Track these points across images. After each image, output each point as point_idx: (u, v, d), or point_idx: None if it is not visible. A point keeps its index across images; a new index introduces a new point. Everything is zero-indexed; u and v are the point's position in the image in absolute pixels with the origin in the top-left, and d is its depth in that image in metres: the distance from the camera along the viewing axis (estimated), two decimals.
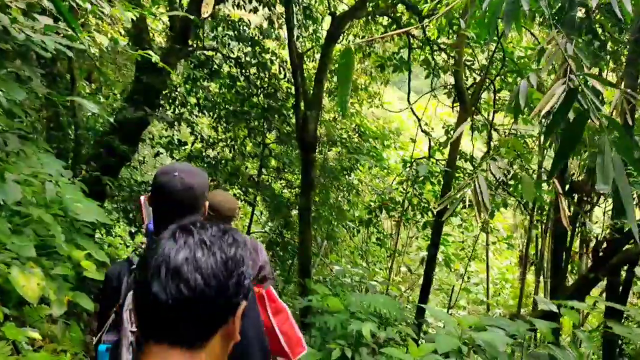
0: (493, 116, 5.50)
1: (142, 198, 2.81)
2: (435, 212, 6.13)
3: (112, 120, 7.14)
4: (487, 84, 5.68)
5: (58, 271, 2.30)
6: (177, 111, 8.46)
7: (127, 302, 1.64)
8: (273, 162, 9.87)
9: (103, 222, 2.58)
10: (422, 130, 7.63)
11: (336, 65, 9.21)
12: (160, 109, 7.92)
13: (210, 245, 0.93)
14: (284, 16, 7.94)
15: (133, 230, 7.85)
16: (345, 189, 9.96)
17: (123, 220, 8.01)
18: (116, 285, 1.73)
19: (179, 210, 1.76)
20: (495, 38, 4.86)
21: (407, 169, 7.98)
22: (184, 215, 1.73)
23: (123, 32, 9.80)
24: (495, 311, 11.64)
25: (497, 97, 6.09)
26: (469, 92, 5.77)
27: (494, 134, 6.98)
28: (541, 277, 8.91)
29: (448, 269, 11.44)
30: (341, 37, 8.11)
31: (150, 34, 7.66)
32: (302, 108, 6.41)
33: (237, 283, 0.93)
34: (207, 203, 1.89)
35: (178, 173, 1.80)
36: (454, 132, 5.32)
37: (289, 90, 8.75)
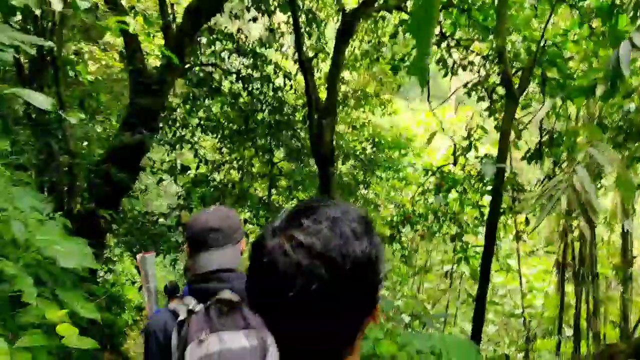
0: (543, 104, 4.86)
1: (138, 257, 2.61)
2: (485, 235, 5.23)
3: (107, 147, 6.59)
4: (534, 70, 5.03)
5: (24, 342, 1.68)
6: (177, 134, 7.89)
7: (188, 358, 1.51)
8: (283, 182, 9.27)
9: (89, 266, 1.97)
10: (448, 135, 7.02)
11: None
12: (160, 132, 7.36)
13: (330, 257, 0.76)
14: (286, 22, 7.41)
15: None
16: (362, 204, 9.33)
17: (127, 255, 7.38)
18: (164, 342, 1.60)
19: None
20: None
21: (430, 176, 7.35)
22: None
23: (117, 58, 9.33)
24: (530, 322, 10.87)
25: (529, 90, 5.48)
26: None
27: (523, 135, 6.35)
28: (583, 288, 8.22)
29: (473, 280, 10.72)
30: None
31: (144, 54, 7.12)
32: (315, 117, 5.82)
33: (373, 285, 0.80)
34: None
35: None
36: (501, 128, 4.66)
37: (295, 103, 8.20)
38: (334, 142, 6.73)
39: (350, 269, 0.75)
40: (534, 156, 4.89)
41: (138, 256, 2.93)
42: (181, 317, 1.59)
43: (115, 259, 7.24)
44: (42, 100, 1.76)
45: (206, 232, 1.72)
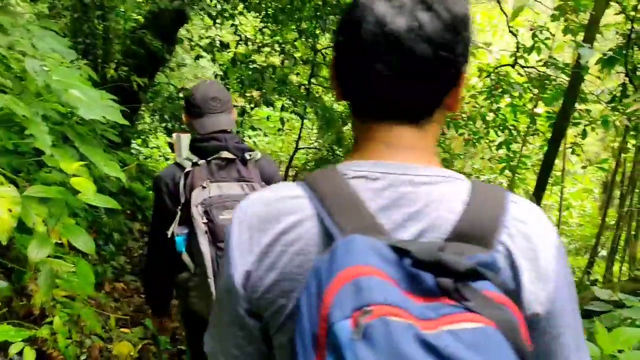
0: None
1: (174, 135, 2.90)
2: (551, 135, 4.77)
3: (144, 12, 6.19)
4: None
5: (33, 191, 1.45)
6: (219, 7, 7.38)
7: (194, 199, 1.86)
8: (325, 72, 8.78)
9: (114, 119, 1.70)
10: (510, 31, 6.35)
11: None
12: (199, 2, 6.88)
13: (432, 4, 0.72)
14: None
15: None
16: None
17: (161, 129, 7.22)
18: (172, 188, 1.94)
19: None
20: None
21: (487, 77, 6.77)
22: None
23: None
24: (562, 239, 10.65)
25: None
26: None
27: None
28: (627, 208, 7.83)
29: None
30: None
31: None
32: None
33: (465, 48, 0.75)
34: None
35: None
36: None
37: None
38: None
39: (452, 19, 0.72)
40: (612, 60, 4.31)
41: (174, 134, 3.06)
42: (187, 169, 1.92)
43: (149, 133, 7.09)
44: None
45: (207, 100, 2.02)
